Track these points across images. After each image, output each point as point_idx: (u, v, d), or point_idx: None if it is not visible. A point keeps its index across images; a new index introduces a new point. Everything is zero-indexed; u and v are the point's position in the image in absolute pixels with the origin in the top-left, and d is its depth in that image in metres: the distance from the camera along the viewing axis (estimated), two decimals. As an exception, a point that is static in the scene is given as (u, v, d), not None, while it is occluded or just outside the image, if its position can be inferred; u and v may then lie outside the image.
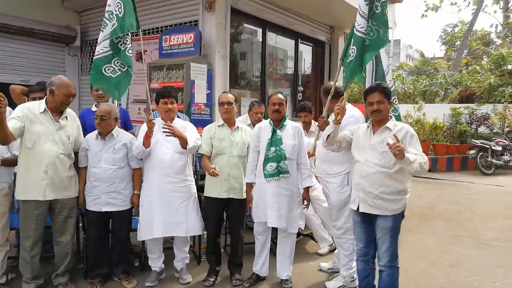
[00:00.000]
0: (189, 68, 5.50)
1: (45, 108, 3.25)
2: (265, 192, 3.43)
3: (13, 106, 3.48)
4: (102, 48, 3.66)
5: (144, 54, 6.65)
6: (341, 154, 3.36)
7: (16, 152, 3.35)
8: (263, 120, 3.99)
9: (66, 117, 3.36)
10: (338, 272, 3.77)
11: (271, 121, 3.49)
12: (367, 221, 2.96)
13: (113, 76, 3.66)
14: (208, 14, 5.82)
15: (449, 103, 14.32)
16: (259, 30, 6.95)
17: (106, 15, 3.65)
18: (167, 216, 3.42)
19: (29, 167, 3.19)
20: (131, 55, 3.78)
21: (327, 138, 3.03)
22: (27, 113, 3.19)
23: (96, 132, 3.45)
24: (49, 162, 3.20)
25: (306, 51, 8.32)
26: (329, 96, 3.48)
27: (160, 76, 5.83)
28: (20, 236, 3.32)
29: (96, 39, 7.63)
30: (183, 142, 3.38)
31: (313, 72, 8.69)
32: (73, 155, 3.42)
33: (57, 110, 3.30)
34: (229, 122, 3.65)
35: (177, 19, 6.21)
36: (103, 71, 3.63)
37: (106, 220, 3.52)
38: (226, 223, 3.94)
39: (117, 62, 3.68)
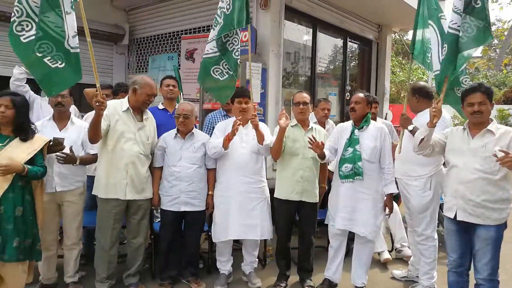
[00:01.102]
0: (245, 67, 5.40)
1: (128, 107, 3.23)
2: (341, 195, 3.30)
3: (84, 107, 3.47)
4: (211, 47, 3.46)
5: (195, 52, 6.62)
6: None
7: (90, 151, 3.32)
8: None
9: (147, 118, 3.36)
10: (413, 281, 3.60)
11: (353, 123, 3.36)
12: (463, 230, 2.78)
13: (221, 79, 3.48)
14: (263, 12, 5.72)
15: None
16: (309, 29, 6.80)
17: (218, 12, 3.43)
18: (243, 218, 3.34)
19: (111, 166, 3.19)
20: (238, 57, 3.59)
21: (419, 142, 2.86)
22: (112, 112, 3.20)
23: (174, 130, 3.40)
24: (129, 161, 3.20)
25: (353, 49, 8.12)
26: (418, 96, 3.37)
27: (214, 75, 5.74)
28: (97, 235, 3.31)
29: (143, 38, 7.81)
30: (261, 138, 3.29)
31: (360, 71, 8.48)
32: (150, 156, 3.40)
33: (138, 110, 3.30)
34: (303, 122, 3.53)
35: (230, 17, 6.12)
36: (212, 72, 3.45)
37: (180, 221, 3.47)
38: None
39: (225, 65, 3.48)
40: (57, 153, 3.03)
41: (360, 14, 7.62)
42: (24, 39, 2.77)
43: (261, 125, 3.46)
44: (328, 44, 7.46)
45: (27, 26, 2.78)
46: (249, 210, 3.36)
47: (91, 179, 3.39)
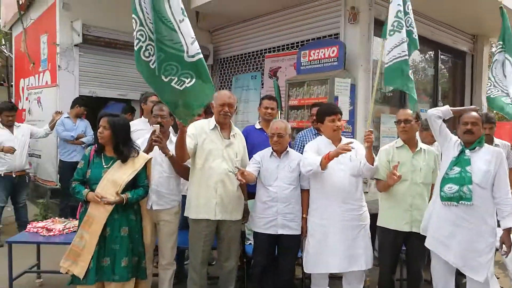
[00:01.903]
0: (333, 84, 5.20)
1: (215, 125, 3.18)
2: (439, 217, 2.91)
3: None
4: (399, 52, 3.37)
5: (278, 70, 6.56)
6: None
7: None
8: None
9: (234, 134, 3.26)
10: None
11: (462, 142, 2.96)
12: None
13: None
14: (351, 26, 5.50)
15: None
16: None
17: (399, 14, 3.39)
18: (345, 248, 3.05)
19: (200, 185, 3.13)
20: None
21: None
22: (200, 131, 3.16)
23: (269, 149, 3.26)
24: (218, 179, 3.11)
25: (445, 62, 7.56)
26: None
27: (300, 92, 5.62)
28: (190, 256, 3.25)
29: (227, 57, 7.92)
30: (371, 158, 3.00)
31: (452, 86, 7.86)
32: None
33: (223, 126, 3.22)
34: (410, 142, 3.21)
35: (316, 33, 6.00)
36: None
37: (274, 245, 3.28)
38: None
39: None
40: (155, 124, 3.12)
41: (453, 25, 7.11)
42: (152, 64, 2.58)
43: (355, 144, 3.20)
44: (418, 58, 7.01)
45: (152, 49, 2.58)
46: (352, 239, 3.08)
47: (183, 198, 3.37)
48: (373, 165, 3.01)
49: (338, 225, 3.07)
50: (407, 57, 3.38)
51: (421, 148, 3.20)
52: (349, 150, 2.84)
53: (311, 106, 4.39)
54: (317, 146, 3.18)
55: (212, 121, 3.21)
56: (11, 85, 8.78)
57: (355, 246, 3.07)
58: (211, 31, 7.89)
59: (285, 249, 3.25)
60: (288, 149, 3.27)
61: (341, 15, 5.63)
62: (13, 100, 8.77)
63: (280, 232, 3.16)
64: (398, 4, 3.40)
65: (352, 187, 3.10)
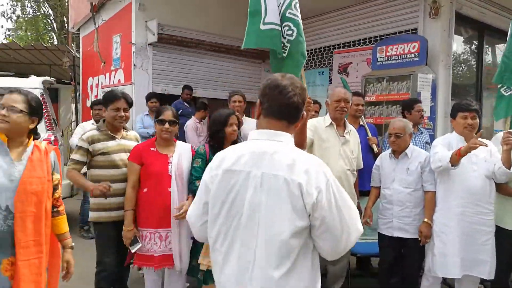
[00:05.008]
0: (416, 80, 5.10)
1: (330, 122, 3.17)
2: None
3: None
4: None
5: (349, 66, 6.50)
6: None
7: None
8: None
9: (349, 131, 3.24)
10: None
11: None
12: None
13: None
14: (432, 21, 5.37)
15: None
16: (476, 35, 6.24)
17: None
18: (470, 252, 2.93)
19: None
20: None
21: None
22: (316, 127, 3.16)
23: (390, 150, 3.23)
24: (336, 177, 3.08)
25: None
26: None
27: (378, 88, 5.54)
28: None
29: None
30: (508, 162, 2.81)
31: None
32: (355, 172, 3.27)
33: (338, 122, 3.21)
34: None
35: (391, 29, 5.90)
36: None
37: (399, 246, 3.19)
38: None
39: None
40: None
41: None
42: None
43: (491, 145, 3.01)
44: (495, 52, 6.77)
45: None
46: (479, 244, 2.94)
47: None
48: (510, 169, 2.83)
49: (466, 229, 2.93)
50: None
51: None
52: (482, 145, 2.67)
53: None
54: (448, 142, 3.05)
55: (327, 118, 3.20)
56: (78, 84, 9.10)
57: (481, 252, 2.93)
58: (273, 28, 7.89)
59: (408, 250, 3.18)
60: (410, 149, 3.16)
61: (420, 9, 5.52)
62: (80, 98, 9.11)
63: (396, 234, 3.12)
64: None
65: (485, 190, 2.95)
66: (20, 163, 1.95)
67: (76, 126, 8.60)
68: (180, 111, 5.04)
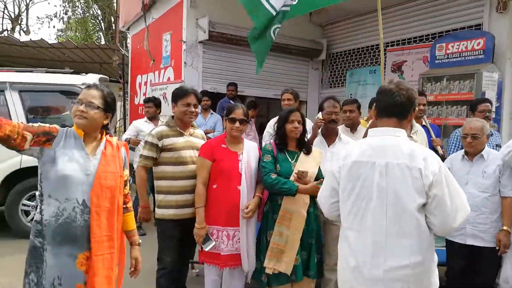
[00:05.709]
0: (481, 78, 4.80)
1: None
2: None
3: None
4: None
5: (404, 65, 6.25)
6: None
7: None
8: None
9: (416, 131, 3.08)
10: None
11: None
12: None
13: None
14: (499, 16, 5.04)
15: None
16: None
17: None
18: None
19: None
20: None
21: None
22: None
23: (461, 152, 3.03)
24: None
25: None
26: None
27: (436, 88, 5.28)
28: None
29: (340, 52, 7.67)
30: None
31: None
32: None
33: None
34: None
35: (451, 25, 5.61)
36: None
37: (470, 254, 2.99)
38: None
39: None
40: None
41: None
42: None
43: None
44: None
45: None
46: None
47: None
48: None
49: None
50: None
51: None
52: None
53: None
54: None
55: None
56: (126, 82, 9.30)
57: None
58: (323, 26, 7.73)
59: (481, 261, 2.97)
60: (486, 151, 2.95)
61: (485, 3, 5.20)
62: (128, 96, 9.31)
63: (470, 242, 2.91)
64: None
65: None
66: (95, 158, 1.95)
67: (123, 124, 8.81)
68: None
